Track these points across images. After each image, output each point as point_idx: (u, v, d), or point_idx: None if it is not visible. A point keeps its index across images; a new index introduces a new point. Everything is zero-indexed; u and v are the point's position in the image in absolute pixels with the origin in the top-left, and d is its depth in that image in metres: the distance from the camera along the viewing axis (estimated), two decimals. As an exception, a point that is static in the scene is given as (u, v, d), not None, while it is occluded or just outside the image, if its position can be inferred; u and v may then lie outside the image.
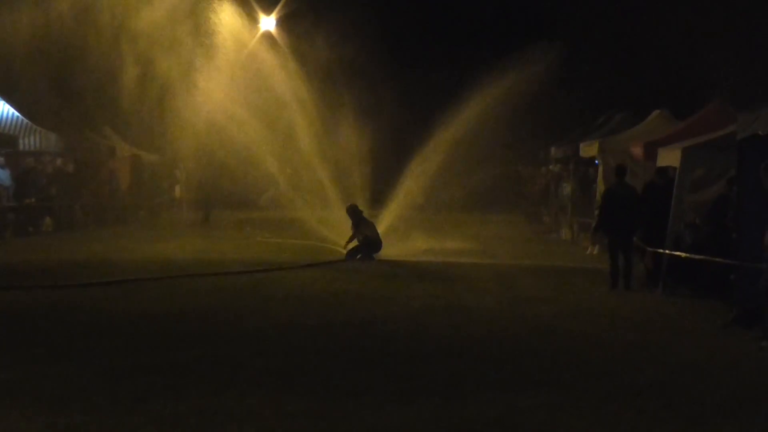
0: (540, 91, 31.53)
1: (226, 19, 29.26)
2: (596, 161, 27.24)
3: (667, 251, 17.01)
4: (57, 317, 14.65)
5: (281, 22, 37.41)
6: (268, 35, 36.96)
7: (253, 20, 36.09)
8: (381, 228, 24.96)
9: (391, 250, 23.87)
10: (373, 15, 34.96)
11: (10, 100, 31.52)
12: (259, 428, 8.44)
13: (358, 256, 23.13)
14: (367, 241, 23.59)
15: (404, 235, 27.21)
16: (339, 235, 25.50)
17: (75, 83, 29.34)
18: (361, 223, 23.97)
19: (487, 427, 8.58)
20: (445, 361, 11.50)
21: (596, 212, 21.32)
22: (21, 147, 30.66)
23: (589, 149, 28.21)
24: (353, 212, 24.24)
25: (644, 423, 8.79)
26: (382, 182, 30.41)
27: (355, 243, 23.72)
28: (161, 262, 21.95)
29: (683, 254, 16.40)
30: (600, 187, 24.79)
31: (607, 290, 17.61)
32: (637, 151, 23.10)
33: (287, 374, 10.65)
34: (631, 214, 17.84)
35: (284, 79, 30.86)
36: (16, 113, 31.31)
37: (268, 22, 37.59)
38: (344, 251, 23.87)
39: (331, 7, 32.38)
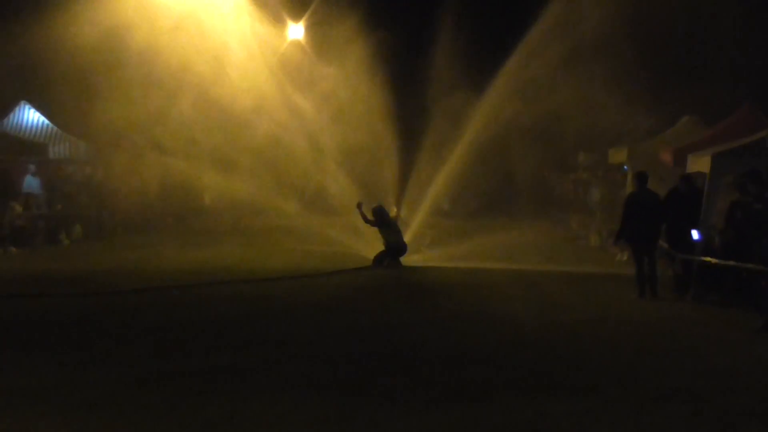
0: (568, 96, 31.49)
1: (256, 27, 29.36)
2: (625, 167, 27.14)
3: (696, 257, 16.93)
4: (87, 324, 14.73)
5: (310, 30, 37.41)
6: (296, 43, 37.00)
7: (282, 27, 36.13)
8: (407, 234, 24.96)
9: (417, 257, 23.86)
10: (401, 23, 34.92)
11: (39, 109, 31.74)
12: (290, 433, 8.45)
13: (385, 263, 23.10)
14: (392, 246, 23.54)
15: (431, 241, 27.19)
16: (366, 242, 25.50)
17: (104, 91, 29.45)
18: (385, 226, 23.88)
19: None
20: (473, 366, 11.49)
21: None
22: (51, 155, 30.85)
23: (617, 155, 28.12)
24: (379, 214, 24.11)
25: (673, 429, 8.74)
26: (408, 189, 30.36)
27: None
28: (190, 270, 22.01)
29: (713, 260, 16.29)
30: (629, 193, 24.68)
31: (636, 297, 17.51)
32: (667, 157, 23.02)
33: (317, 380, 10.67)
34: (653, 220, 17.72)
35: (312, 86, 30.95)
36: (46, 121, 31.53)
37: (296, 30, 37.61)
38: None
39: (359, 13, 32.32)
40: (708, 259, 16.48)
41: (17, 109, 31.84)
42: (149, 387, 10.27)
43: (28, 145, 30.33)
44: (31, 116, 31.63)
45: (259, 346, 12.89)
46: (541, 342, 13.21)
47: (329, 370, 11.20)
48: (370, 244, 24.92)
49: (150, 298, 17.78)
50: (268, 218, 35.32)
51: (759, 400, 9.87)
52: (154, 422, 8.86)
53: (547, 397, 9.83)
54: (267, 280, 20.41)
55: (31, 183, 30.02)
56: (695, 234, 17.21)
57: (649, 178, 18.49)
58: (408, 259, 23.54)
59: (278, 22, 33.95)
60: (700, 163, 18.60)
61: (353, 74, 31.75)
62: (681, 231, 17.44)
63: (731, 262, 15.66)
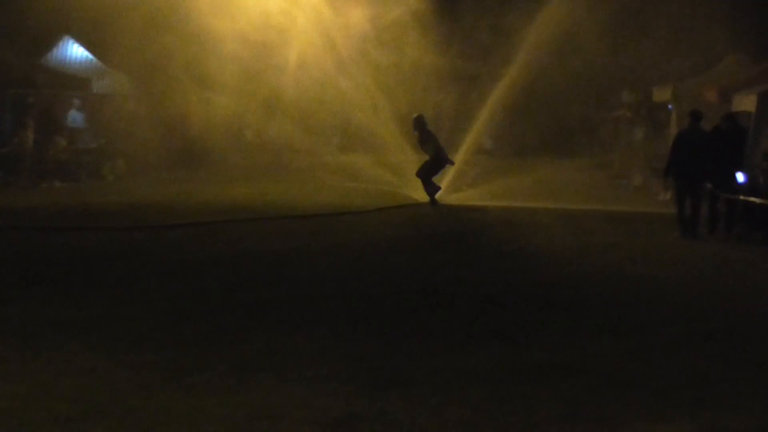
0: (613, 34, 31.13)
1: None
2: (669, 106, 26.87)
3: (741, 197, 16.78)
4: (130, 259, 14.85)
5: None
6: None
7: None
8: (449, 173, 24.81)
9: (459, 195, 23.80)
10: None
11: (83, 42, 31.81)
12: (331, 368, 8.49)
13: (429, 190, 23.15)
14: (432, 160, 23.33)
15: (473, 179, 27.11)
16: (408, 180, 25.46)
17: (148, 25, 29.43)
18: (425, 138, 23.57)
19: (554, 371, 8.55)
20: (513, 305, 11.49)
21: None
22: (94, 90, 30.97)
23: (662, 94, 27.83)
24: (418, 123, 23.74)
25: (715, 368, 8.70)
26: (450, 127, 30.21)
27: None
28: (233, 206, 22.11)
29: (758, 200, 16.14)
30: (672, 132, 24.42)
31: (678, 236, 17.40)
32: (712, 96, 22.75)
33: (357, 317, 10.72)
34: (702, 159, 17.53)
35: (353, 22, 30.77)
36: (89, 55, 31.61)
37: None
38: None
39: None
40: (753, 198, 16.33)
41: (60, 43, 31.96)
42: (191, 321, 10.35)
43: (71, 80, 30.45)
44: (74, 50, 31.73)
45: (298, 282, 12.95)
46: (582, 281, 13.18)
47: (369, 307, 11.26)
48: (412, 182, 24.89)
49: (192, 233, 17.89)
50: (310, 155, 35.31)
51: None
52: (196, 356, 8.94)
53: (588, 337, 9.82)
54: (308, 216, 20.46)
55: (75, 117, 30.21)
56: (740, 177, 17.06)
57: (702, 116, 18.27)
58: (449, 198, 23.50)
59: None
60: (746, 102, 18.40)
61: (395, 9, 31.50)
62: (723, 170, 17.26)
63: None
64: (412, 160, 26.11)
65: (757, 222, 16.72)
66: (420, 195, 23.84)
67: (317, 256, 15.32)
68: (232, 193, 25.06)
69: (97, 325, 10.16)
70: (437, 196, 23.21)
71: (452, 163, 23.75)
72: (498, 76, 30.07)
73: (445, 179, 24.06)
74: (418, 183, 24.21)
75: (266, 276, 13.40)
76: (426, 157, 23.46)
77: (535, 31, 29.51)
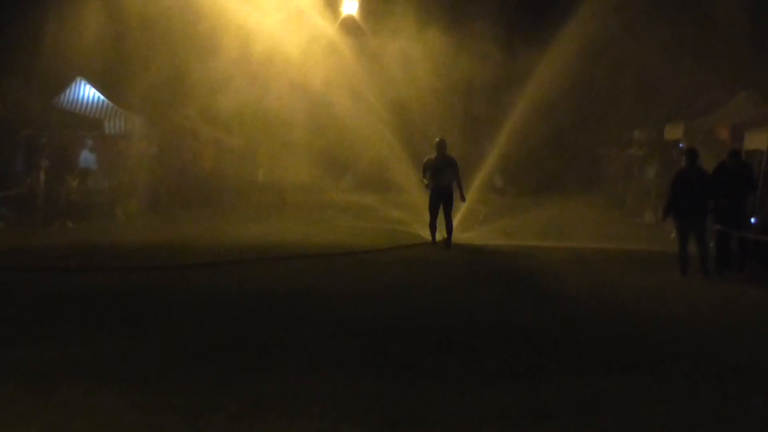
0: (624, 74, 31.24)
1: (307, 3, 29.34)
2: (681, 144, 26.89)
3: (754, 235, 16.74)
4: (143, 298, 14.85)
5: (364, 5, 37.33)
6: (350, 19, 36.96)
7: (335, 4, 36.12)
8: (460, 211, 24.72)
9: (471, 234, 23.78)
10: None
11: (95, 84, 32.05)
12: (342, 409, 8.47)
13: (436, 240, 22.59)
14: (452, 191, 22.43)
15: (484, 218, 27.12)
16: (418, 218, 25.48)
17: (160, 66, 29.63)
18: (450, 164, 22.44)
19: (571, 410, 8.52)
20: (527, 344, 11.45)
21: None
22: (106, 130, 31.18)
23: (674, 132, 27.89)
24: (443, 147, 22.65)
25: (730, 407, 8.66)
26: (461, 165, 30.26)
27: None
28: (245, 245, 22.11)
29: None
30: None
31: (679, 276, 17.33)
32: (724, 133, 22.77)
33: (370, 357, 10.68)
34: (701, 198, 17.49)
35: (365, 64, 30.93)
36: (101, 96, 31.83)
37: (350, 6, 37.53)
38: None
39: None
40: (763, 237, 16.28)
41: (73, 85, 32.21)
42: (203, 361, 10.34)
43: (84, 121, 30.73)
44: (86, 92, 31.98)
45: (311, 322, 12.91)
46: (594, 319, 13.14)
47: (383, 347, 11.21)
48: (423, 221, 24.92)
49: (203, 273, 17.90)
50: (323, 194, 35.42)
51: (817, 380, 9.77)
52: (208, 396, 8.92)
53: (601, 375, 9.78)
54: (321, 255, 20.45)
55: (87, 158, 30.36)
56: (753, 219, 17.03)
57: (699, 155, 18.28)
58: (461, 236, 23.45)
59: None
60: (758, 140, 18.40)
61: (407, 50, 31.65)
62: (731, 208, 17.19)
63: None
64: (423, 199, 26.11)
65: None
66: (430, 234, 23.83)
67: (328, 296, 15.29)
68: (243, 232, 25.09)
69: (109, 365, 10.14)
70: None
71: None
72: (509, 114, 30.18)
73: (455, 218, 23.63)
74: (428, 222, 24.22)
75: (278, 316, 13.37)
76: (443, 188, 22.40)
77: (547, 68, 29.65)
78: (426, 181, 22.55)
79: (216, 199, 35.36)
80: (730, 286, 16.40)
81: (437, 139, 22.95)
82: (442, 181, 22.14)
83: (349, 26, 35.51)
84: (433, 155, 22.60)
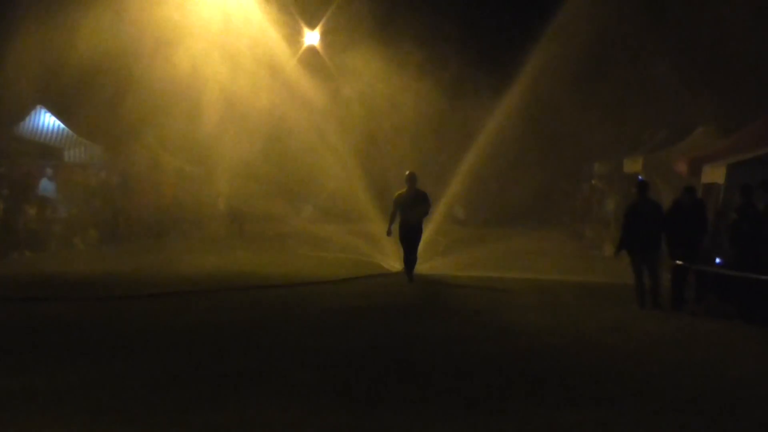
0: (584, 105, 31.45)
1: (270, 34, 29.38)
2: (640, 177, 27.10)
3: (711, 269, 16.85)
4: (100, 328, 14.76)
5: (326, 36, 37.40)
6: (312, 50, 37.03)
7: (297, 34, 36.18)
8: (422, 242, 24.69)
9: (432, 265, 23.80)
10: (415, 29, 34.92)
11: (55, 112, 31.89)
12: (301, 441, 8.45)
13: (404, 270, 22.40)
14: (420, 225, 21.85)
15: (445, 249, 27.15)
16: (380, 248, 25.51)
17: (121, 96, 29.55)
18: (421, 198, 21.79)
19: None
20: (486, 376, 11.46)
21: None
22: (66, 159, 30.99)
23: (633, 165, 28.09)
24: (413, 180, 21.90)
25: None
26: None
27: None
28: (204, 275, 22.04)
29: (730, 272, 16.18)
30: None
31: (637, 308, 17.43)
32: (682, 167, 22.95)
33: (329, 388, 10.66)
34: (653, 230, 17.62)
35: (326, 94, 30.99)
36: (62, 125, 31.67)
37: (312, 37, 37.60)
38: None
39: (377, 20, 32.35)
40: (726, 271, 16.35)
41: (33, 113, 32.02)
42: (161, 391, 10.28)
43: (43, 149, 30.50)
44: (47, 120, 31.79)
45: (271, 352, 12.89)
46: (553, 352, 13.17)
47: (341, 379, 11.19)
48: (384, 252, 24.93)
49: (163, 303, 17.79)
50: (283, 224, 35.33)
51: (772, 413, 9.85)
52: (166, 427, 8.87)
53: (559, 408, 9.81)
54: (280, 286, 20.41)
55: (46, 186, 30.11)
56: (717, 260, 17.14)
57: (650, 188, 18.43)
58: (421, 267, 23.43)
59: (294, 27, 34.01)
60: (715, 174, 18.56)
61: (368, 80, 31.75)
62: (688, 242, 17.29)
63: (742, 274, 15.56)
64: (383, 229, 26.15)
65: (727, 294, 16.73)
66: (392, 263, 23.87)
67: (288, 327, 15.25)
68: (204, 263, 24.97)
69: (68, 395, 10.07)
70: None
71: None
72: (469, 145, 30.32)
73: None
74: (390, 252, 24.24)
75: (238, 347, 13.31)
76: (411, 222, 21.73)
77: (508, 101, 29.85)
78: (390, 227, 22.08)
79: (176, 228, 35.17)
80: (687, 319, 16.47)
81: (407, 173, 22.27)
82: (412, 216, 21.58)
83: (310, 57, 35.56)
84: (403, 189, 21.95)
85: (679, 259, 17.17)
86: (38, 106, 31.98)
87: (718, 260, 17.15)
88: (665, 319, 16.36)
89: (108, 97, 29.45)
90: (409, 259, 21.83)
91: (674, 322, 16.04)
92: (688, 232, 17.29)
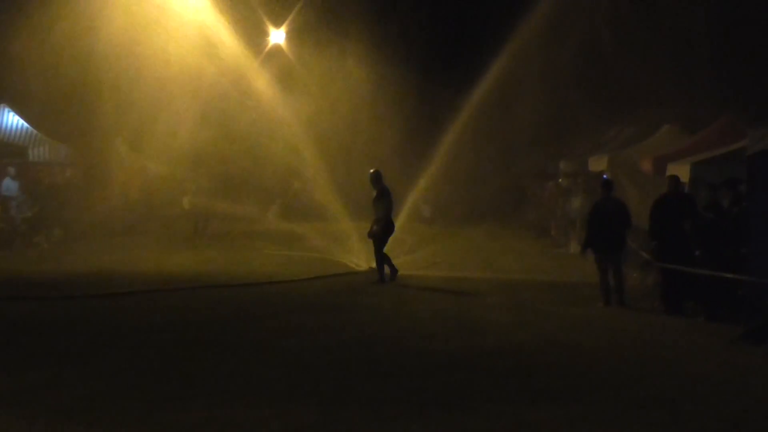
0: (549, 103, 31.58)
1: (235, 32, 29.29)
2: (605, 175, 27.24)
3: (675, 267, 16.92)
4: (65, 328, 14.68)
5: (291, 36, 37.39)
6: (277, 48, 37.00)
7: (263, 33, 36.14)
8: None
9: (397, 263, 23.83)
10: (381, 29, 34.99)
11: (19, 111, 31.64)
12: (268, 440, 8.45)
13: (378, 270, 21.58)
14: (384, 222, 21.33)
15: (411, 248, 27.16)
16: (346, 247, 25.50)
17: (85, 95, 29.39)
18: (383, 195, 21.51)
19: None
20: (453, 374, 11.49)
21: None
22: (30, 158, 30.77)
23: (598, 163, 28.21)
24: (377, 178, 21.67)
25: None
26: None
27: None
28: (170, 274, 21.96)
29: (693, 270, 16.25)
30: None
31: (602, 306, 17.52)
32: (647, 165, 23.09)
33: (296, 385, 10.66)
34: (617, 229, 17.75)
35: (292, 92, 30.95)
36: (26, 124, 31.43)
37: (278, 35, 37.56)
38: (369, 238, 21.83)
39: (342, 20, 32.41)
40: (689, 269, 16.42)
41: (-4, 112, 31.79)
42: (128, 391, 10.24)
43: (7, 148, 30.25)
44: (10, 119, 31.53)
45: (237, 351, 12.87)
46: (521, 350, 13.22)
47: (308, 377, 11.18)
48: (350, 250, 24.93)
49: (128, 302, 17.71)
50: (249, 223, 35.23)
51: (737, 408, 9.92)
52: (132, 426, 8.83)
53: (527, 405, 9.85)
54: (246, 285, 20.37)
55: (9, 185, 29.88)
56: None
57: (614, 187, 18.53)
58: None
59: (260, 26, 33.98)
60: (680, 172, 18.65)
61: (334, 79, 31.77)
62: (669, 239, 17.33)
63: (708, 272, 15.64)
64: (350, 227, 26.15)
65: (691, 292, 16.78)
66: (358, 262, 23.86)
67: (254, 325, 15.22)
68: (169, 261, 24.88)
69: (31, 395, 10.02)
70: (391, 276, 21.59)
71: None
72: (437, 145, 30.36)
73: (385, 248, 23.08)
74: (356, 251, 24.22)
75: (204, 345, 13.27)
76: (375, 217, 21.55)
77: (473, 99, 29.92)
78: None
79: (141, 227, 34.98)
80: (651, 316, 16.58)
81: (370, 171, 22.07)
82: (376, 213, 21.41)
83: (276, 55, 35.53)
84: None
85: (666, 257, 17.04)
86: (1, 105, 31.72)
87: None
88: (630, 317, 16.46)
89: (72, 95, 29.29)
90: (377, 258, 21.62)
91: (639, 320, 16.14)
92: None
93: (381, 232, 21.25)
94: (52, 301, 17.60)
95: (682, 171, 18.48)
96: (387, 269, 21.45)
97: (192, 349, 12.90)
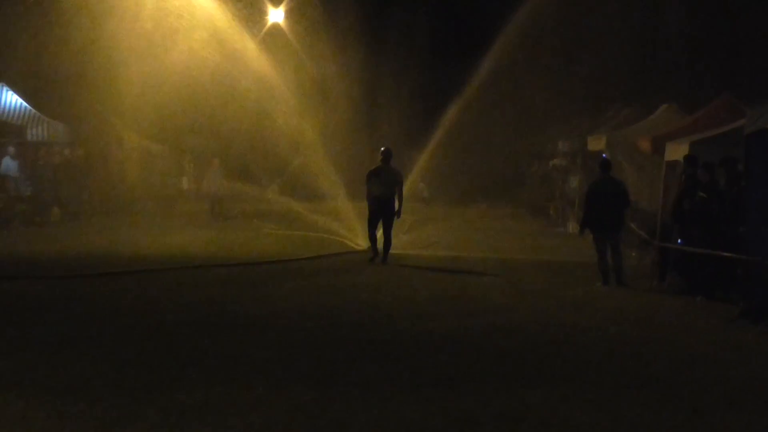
0: (547, 84, 31.56)
1: (234, 11, 29.20)
2: (603, 155, 27.25)
3: (672, 246, 16.95)
4: (64, 307, 14.66)
5: (290, 14, 37.29)
6: (276, 27, 36.91)
7: (262, 12, 36.05)
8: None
9: (396, 243, 23.83)
10: (381, 9, 34.95)
11: (17, 90, 31.57)
12: (266, 419, 8.47)
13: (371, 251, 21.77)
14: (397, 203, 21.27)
15: (410, 227, 27.18)
16: (345, 226, 25.50)
17: (83, 73, 29.34)
18: (397, 173, 21.47)
19: (492, 419, 8.59)
20: (451, 353, 11.50)
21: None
22: (29, 137, 30.72)
23: (596, 143, 28.20)
24: (388, 155, 21.40)
25: (649, 415, 8.80)
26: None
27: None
28: (168, 254, 21.98)
29: (693, 249, 16.25)
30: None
31: (600, 285, 17.55)
32: (645, 145, 23.08)
33: (294, 365, 10.67)
34: (615, 208, 17.78)
35: (292, 72, 30.88)
36: (24, 103, 31.36)
37: (276, 14, 37.47)
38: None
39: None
40: (690, 249, 16.43)
41: (-6, 91, 31.73)
42: (126, 370, 10.25)
43: (5, 127, 30.19)
44: (8, 98, 31.45)
45: (234, 330, 12.86)
46: (517, 329, 13.24)
47: (307, 356, 11.20)
48: (350, 229, 24.94)
49: (127, 281, 17.71)
50: (248, 202, 35.25)
51: (734, 386, 9.95)
52: (130, 406, 8.84)
53: (522, 385, 9.87)
54: (245, 264, 20.39)
55: (8, 165, 29.88)
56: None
57: (612, 166, 18.57)
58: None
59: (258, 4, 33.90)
60: (678, 151, 18.64)
61: (334, 59, 31.71)
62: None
63: (706, 251, 15.65)
64: (348, 207, 26.15)
65: (689, 272, 16.81)
66: (357, 242, 23.86)
67: (255, 305, 15.21)
68: (168, 241, 24.91)
69: (31, 374, 10.02)
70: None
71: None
72: (435, 124, 30.35)
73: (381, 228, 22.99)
74: (355, 230, 24.24)
75: (201, 325, 13.27)
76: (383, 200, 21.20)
77: (473, 79, 29.88)
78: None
79: (140, 207, 35.00)
80: (649, 296, 16.61)
81: (382, 149, 21.74)
82: (384, 193, 21.06)
83: (276, 35, 35.44)
84: (377, 165, 21.49)
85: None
86: (0, 84, 31.66)
87: (680, 240, 17.24)
88: (628, 297, 16.48)
89: (71, 75, 29.25)
90: (373, 236, 21.57)
91: (637, 300, 16.16)
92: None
93: (393, 214, 21.24)
94: (50, 280, 17.59)
95: (680, 150, 18.46)
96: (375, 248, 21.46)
97: (189, 330, 12.89)
